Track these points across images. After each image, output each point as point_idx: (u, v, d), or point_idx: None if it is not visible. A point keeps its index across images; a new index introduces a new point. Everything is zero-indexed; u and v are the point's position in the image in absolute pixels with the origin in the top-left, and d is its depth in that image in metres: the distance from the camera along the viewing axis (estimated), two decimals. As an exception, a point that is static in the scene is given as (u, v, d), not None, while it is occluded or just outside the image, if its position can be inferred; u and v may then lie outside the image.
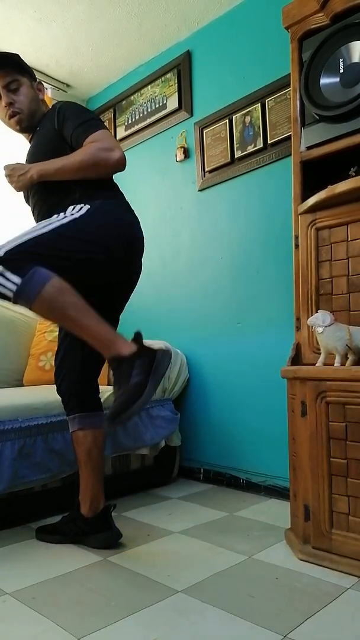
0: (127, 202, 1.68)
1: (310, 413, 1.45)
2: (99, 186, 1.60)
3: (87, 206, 1.51)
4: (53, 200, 1.61)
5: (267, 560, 1.47)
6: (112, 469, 2.17)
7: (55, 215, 1.48)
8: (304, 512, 1.46)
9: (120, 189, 1.71)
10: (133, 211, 1.66)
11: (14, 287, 1.31)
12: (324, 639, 1.06)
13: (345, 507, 1.38)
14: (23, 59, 1.70)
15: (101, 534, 1.59)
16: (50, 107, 1.72)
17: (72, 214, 1.48)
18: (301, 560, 1.45)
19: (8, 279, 1.31)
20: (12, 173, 1.57)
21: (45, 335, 2.49)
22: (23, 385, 2.43)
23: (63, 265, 1.40)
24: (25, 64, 1.71)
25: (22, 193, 1.72)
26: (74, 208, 1.50)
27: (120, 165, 1.54)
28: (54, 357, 1.73)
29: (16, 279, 1.30)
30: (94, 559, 1.50)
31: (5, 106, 1.65)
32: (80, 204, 1.52)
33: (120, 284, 1.66)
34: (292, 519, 1.60)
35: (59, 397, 1.69)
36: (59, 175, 1.54)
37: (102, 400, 2.02)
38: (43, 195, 1.64)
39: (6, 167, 1.59)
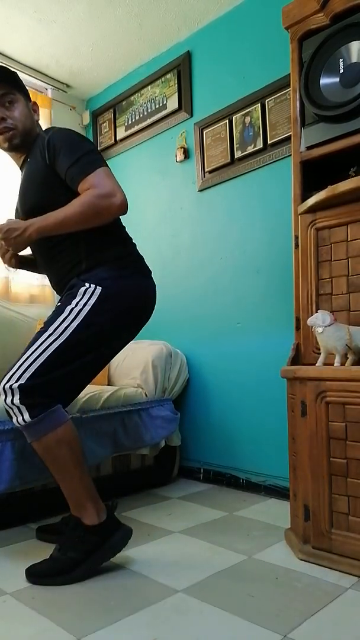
0: (137, 257, 1.60)
1: (310, 413, 1.45)
2: (105, 243, 1.52)
3: (99, 289, 1.45)
4: (57, 266, 1.55)
5: (267, 560, 1.47)
6: (112, 469, 2.17)
7: (67, 311, 1.43)
8: (304, 512, 1.46)
9: (128, 234, 1.64)
10: (144, 269, 1.60)
11: (22, 423, 1.36)
12: (323, 639, 1.06)
13: (345, 507, 1.38)
14: (23, 63, 1.63)
15: (115, 535, 1.45)
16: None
17: (85, 304, 1.43)
18: (301, 560, 1.45)
19: (22, 413, 1.36)
20: (7, 235, 1.43)
21: (45, 335, 2.49)
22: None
23: (78, 376, 1.45)
24: (22, 83, 1.60)
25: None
26: (85, 292, 1.45)
27: (122, 210, 1.43)
28: None
29: (27, 417, 1.35)
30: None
31: None
32: (87, 282, 1.46)
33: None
34: (292, 518, 1.60)
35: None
36: (59, 230, 1.43)
37: (101, 400, 2.04)
38: (47, 254, 1.57)
39: (0, 229, 1.45)
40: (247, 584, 1.32)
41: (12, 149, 1.58)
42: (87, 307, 1.43)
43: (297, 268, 1.66)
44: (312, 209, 1.60)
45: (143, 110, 2.80)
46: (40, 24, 2.48)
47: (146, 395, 2.29)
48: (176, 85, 2.61)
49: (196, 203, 2.54)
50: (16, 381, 1.35)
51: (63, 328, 1.41)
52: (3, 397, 1.37)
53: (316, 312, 1.52)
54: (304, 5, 1.65)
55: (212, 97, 2.47)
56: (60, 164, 1.45)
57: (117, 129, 2.96)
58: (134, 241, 1.65)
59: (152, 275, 1.64)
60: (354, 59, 1.52)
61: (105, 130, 3.03)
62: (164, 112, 2.68)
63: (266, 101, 2.22)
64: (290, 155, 1.73)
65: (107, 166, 1.47)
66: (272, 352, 2.16)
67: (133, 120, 2.86)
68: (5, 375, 1.39)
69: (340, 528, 1.39)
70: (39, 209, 1.47)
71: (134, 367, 2.38)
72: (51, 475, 1.43)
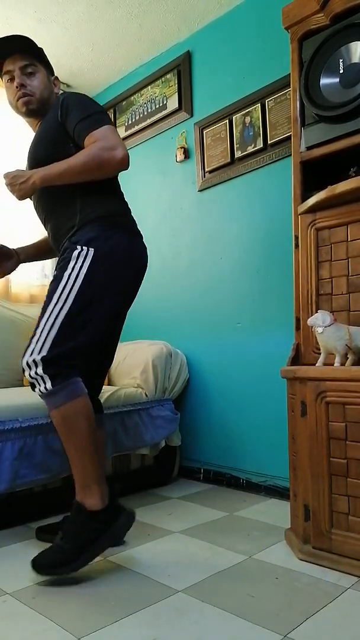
0: (128, 216, 1.64)
1: (310, 413, 1.45)
2: (100, 195, 1.57)
3: (91, 251, 1.49)
4: (55, 216, 1.61)
5: (267, 560, 1.47)
6: (112, 469, 2.17)
7: (65, 278, 1.47)
8: (304, 512, 1.46)
9: (122, 190, 1.69)
10: (134, 228, 1.63)
11: (45, 391, 1.42)
12: (323, 639, 1.06)
13: (345, 506, 1.38)
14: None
15: (119, 520, 1.44)
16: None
17: (80, 267, 1.48)
18: (301, 560, 1.45)
19: (45, 382, 1.42)
20: (13, 181, 1.50)
21: (45, 335, 2.49)
22: (23, 386, 2.43)
23: (93, 339, 1.50)
24: (46, 58, 1.69)
25: (32, 204, 1.71)
26: (78, 256, 1.48)
27: (124, 163, 1.49)
28: None
29: (49, 386, 1.41)
30: (94, 559, 1.50)
31: (17, 87, 1.60)
32: (78, 245, 1.50)
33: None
34: (292, 518, 1.60)
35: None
36: (62, 179, 1.49)
37: (101, 400, 2.03)
38: (47, 204, 1.62)
39: (6, 176, 1.52)
40: (247, 584, 1.32)
41: (28, 113, 1.66)
42: (84, 269, 1.48)
43: (297, 268, 1.66)
44: (312, 209, 1.60)
45: (143, 110, 2.81)
46: (40, 24, 2.48)
47: (146, 395, 2.29)
48: (176, 85, 2.61)
49: (196, 203, 2.54)
50: (38, 353, 1.41)
51: (67, 293, 1.46)
52: (27, 371, 1.43)
53: (316, 312, 1.52)
54: (304, 6, 1.65)
55: (212, 97, 2.47)
56: (70, 120, 1.53)
57: (117, 129, 2.97)
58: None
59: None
60: (354, 59, 1.52)
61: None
62: (164, 112, 2.68)
63: (266, 101, 2.22)
64: (291, 155, 1.73)
65: (114, 126, 1.55)
66: (272, 352, 2.16)
67: (133, 120, 2.86)
68: (25, 352, 1.45)
69: (341, 528, 1.39)
70: (45, 162, 1.52)
71: (134, 367, 2.38)
72: (66, 449, 1.44)
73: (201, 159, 2.49)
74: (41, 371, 1.40)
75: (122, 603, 1.23)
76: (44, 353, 1.41)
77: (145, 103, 2.79)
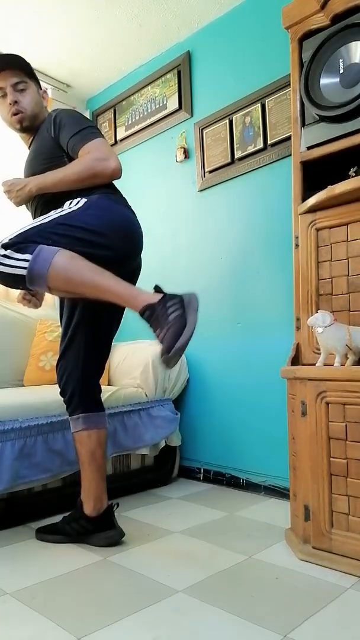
0: (125, 200, 1.69)
1: (310, 413, 1.45)
2: (94, 187, 1.61)
3: (85, 199, 1.53)
4: (50, 206, 1.61)
5: (267, 560, 1.47)
6: (112, 469, 2.17)
7: (54, 211, 1.50)
8: (304, 512, 1.46)
9: (120, 190, 1.71)
10: (131, 209, 1.67)
11: (25, 264, 1.35)
12: (324, 639, 1.06)
13: (345, 507, 1.38)
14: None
15: (105, 533, 1.60)
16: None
17: (70, 207, 1.50)
18: (301, 560, 1.45)
19: (17, 259, 1.36)
20: (11, 189, 1.58)
21: (45, 335, 2.49)
22: (23, 386, 2.43)
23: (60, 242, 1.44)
24: (35, 73, 1.74)
25: (25, 208, 1.75)
26: (70, 203, 1.52)
27: (116, 174, 1.56)
28: (57, 356, 1.73)
29: (26, 256, 1.35)
30: (94, 559, 1.50)
31: (10, 103, 1.67)
32: (73, 199, 1.54)
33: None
34: (292, 518, 1.61)
35: (59, 397, 1.69)
36: (57, 187, 1.55)
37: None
38: (43, 202, 1.65)
39: (4, 184, 1.60)
40: (247, 584, 1.32)
41: (22, 130, 1.73)
42: (72, 209, 1.49)
43: (297, 268, 1.66)
44: (312, 209, 1.60)
45: (143, 110, 2.81)
46: (40, 25, 2.48)
47: (146, 395, 2.29)
48: (176, 85, 2.61)
49: (196, 203, 2.54)
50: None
51: (46, 216, 1.47)
52: None
53: (316, 312, 1.52)
54: (304, 6, 1.65)
55: (212, 97, 2.47)
56: (64, 135, 1.60)
57: (117, 129, 2.96)
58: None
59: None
60: (354, 59, 1.53)
61: (106, 130, 3.03)
62: (164, 112, 2.68)
63: (266, 101, 2.22)
64: (291, 155, 1.73)
65: (105, 139, 1.61)
66: (272, 352, 2.16)
67: (133, 120, 2.86)
68: None
69: (341, 528, 1.39)
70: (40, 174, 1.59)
71: (134, 367, 2.38)
72: (93, 293, 1.40)
73: (201, 159, 2.49)
74: (2, 251, 1.36)
75: (122, 603, 1.23)
76: (3, 242, 1.39)
77: (145, 103, 2.79)
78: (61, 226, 1.45)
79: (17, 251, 1.37)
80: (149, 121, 2.76)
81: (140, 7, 2.37)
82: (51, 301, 2.86)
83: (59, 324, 2.50)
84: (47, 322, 2.55)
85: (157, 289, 1.41)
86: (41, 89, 1.77)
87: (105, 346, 1.73)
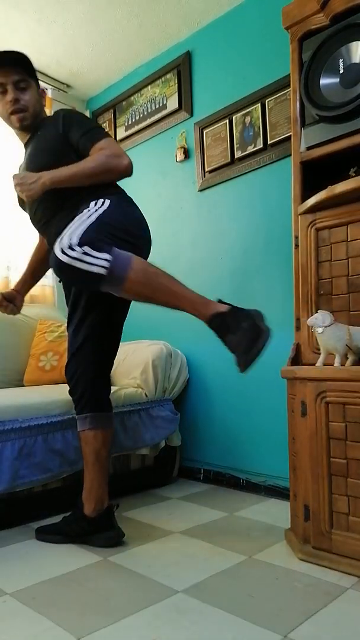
0: (133, 200, 1.72)
1: (310, 413, 1.45)
2: (104, 188, 1.62)
3: (108, 200, 1.54)
4: (57, 202, 1.64)
5: (267, 560, 1.47)
6: (112, 469, 2.17)
7: (86, 210, 1.48)
8: (304, 512, 1.46)
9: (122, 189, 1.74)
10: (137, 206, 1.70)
11: (106, 264, 1.31)
12: (324, 639, 1.06)
13: (345, 507, 1.38)
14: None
15: (105, 534, 1.60)
16: (51, 113, 1.77)
17: (97, 209, 1.49)
18: (301, 560, 1.45)
19: (97, 257, 1.31)
20: (23, 181, 1.56)
21: (45, 335, 2.49)
22: (23, 386, 2.43)
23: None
24: (35, 71, 1.74)
25: (16, 200, 1.78)
26: (96, 203, 1.52)
27: (129, 170, 1.61)
28: (66, 357, 1.73)
29: (105, 255, 1.31)
30: (94, 559, 1.50)
31: (10, 101, 1.65)
32: (97, 199, 1.54)
33: None
34: (292, 519, 1.61)
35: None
36: (71, 182, 1.56)
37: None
38: (51, 206, 1.66)
39: (15, 177, 1.58)
40: (247, 584, 1.32)
41: (22, 128, 1.72)
42: (101, 210, 1.49)
43: (297, 268, 1.66)
44: (312, 209, 1.60)
45: (143, 110, 2.81)
46: (40, 25, 2.48)
47: (146, 396, 2.29)
48: (176, 85, 2.62)
49: (196, 203, 2.54)
50: (69, 240, 1.33)
51: (89, 214, 1.45)
52: (65, 257, 1.31)
53: (316, 312, 1.52)
54: (304, 6, 1.65)
55: (212, 97, 2.47)
56: (74, 132, 1.62)
57: (117, 129, 2.96)
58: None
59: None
60: (354, 60, 1.52)
61: (106, 130, 3.03)
62: (164, 112, 2.68)
63: (266, 101, 2.22)
64: (291, 155, 1.73)
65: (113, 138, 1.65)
66: (272, 352, 2.15)
67: (133, 120, 2.86)
68: (55, 247, 1.35)
69: (341, 528, 1.39)
70: (49, 169, 1.57)
71: (134, 367, 2.38)
72: (168, 301, 1.40)
73: (201, 159, 2.49)
74: (82, 248, 1.31)
75: (122, 603, 1.23)
76: (76, 239, 1.33)
77: (145, 103, 2.79)
78: (106, 226, 1.45)
79: (95, 249, 1.32)
80: (149, 121, 2.76)
81: (140, 7, 2.37)
82: (51, 302, 2.87)
83: (59, 324, 2.52)
84: (47, 323, 2.55)
85: (221, 302, 1.43)
86: (39, 87, 1.77)
87: (115, 346, 1.74)
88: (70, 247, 1.32)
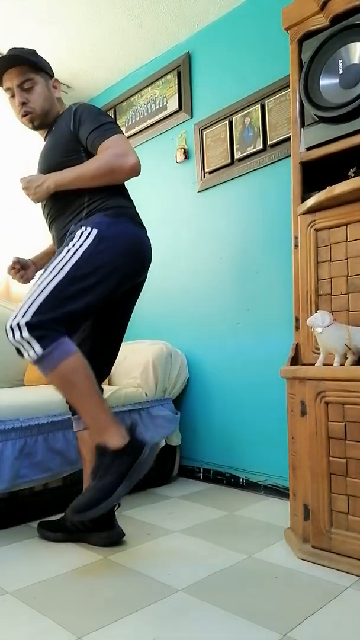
0: (135, 211, 1.67)
1: (310, 413, 1.46)
2: (108, 191, 1.60)
3: (96, 230, 1.50)
4: (63, 217, 1.63)
5: (267, 560, 1.47)
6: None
7: (65, 249, 1.48)
8: (304, 512, 1.47)
9: (129, 194, 1.71)
10: (140, 221, 1.66)
11: (35, 356, 1.37)
12: (323, 638, 1.07)
13: (345, 506, 1.38)
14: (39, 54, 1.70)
15: (105, 532, 1.60)
16: (66, 106, 1.71)
17: (82, 244, 1.48)
18: (301, 559, 1.45)
19: (32, 347, 1.37)
20: (29, 185, 1.57)
21: (45, 335, 2.49)
22: (24, 385, 2.44)
23: (79, 313, 1.45)
24: (42, 60, 1.69)
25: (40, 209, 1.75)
26: (81, 235, 1.50)
27: (135, 170, 1.54)
28: None
29: (38, 349, 1.37)
30: (94, 558, 1.51)
31: (18, 105, 1.65)
32: (84, 226, 1.52)
33: (127, 295, 1.67)
34: (291, 518, 1.61)
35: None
36: (75, 184, 1.55)
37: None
38: (55, 206, 1.66)
39: (22, 180, 1.59)
40: (247, 583, 1.33)
41: (34, 128, 1.72)
42: (84, 245, 1.48)
43: (297, 268, 1.67)
44: (311, 210, 1.60)
45: (143, 111, 2.81)
46: (40, 25, 2.48)
47: (146, 395, 2.29)
48: (176, 86, 2.62)
49: (196, 204, 2.54)
50: (22, 317, 1.38)
51: (62, 265, 1.46)
52: (10, 335, 1.39)
53: (316, 312, 1.52)
54: (303, 7, 1.66)
55: (212, 97, 2.48)
56: (83, 130, 1.58)
57: (117, 130, 2.97)
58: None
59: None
60: (354, 60, 1.53)
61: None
62: (164, 113, 2.68)
63: (266, 102, 2.23)
64: (290, 156, 1.73)
65: (124, 135, 1.59)
66: (272, 352, 2.17)
67: (133, 121, 2.87)
68: (11, 317, 1.41)
69: (340, 527, 1.39)
70: (58, 169, 1.58)
71: (134, 367, 2.38)
72: (73, 403, 1.46)
73: (201, 160, 2.50)
74: (27, 334, 1.36)
75: (122, 603, 1.23)
76: (27, 318, 1.37)
77: (145, 104, 2.80)
78: (75, 283, 1.44)
79: (36, 339, 1.36)
80: (149, 122, 2.76)
81: (140, 7, 2.38)
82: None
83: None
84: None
85: (132, 428, 1.44)
86: (51, 78, 1.72)
87: (115, 349, 1.74)
88: (19, 328, 1.37)
